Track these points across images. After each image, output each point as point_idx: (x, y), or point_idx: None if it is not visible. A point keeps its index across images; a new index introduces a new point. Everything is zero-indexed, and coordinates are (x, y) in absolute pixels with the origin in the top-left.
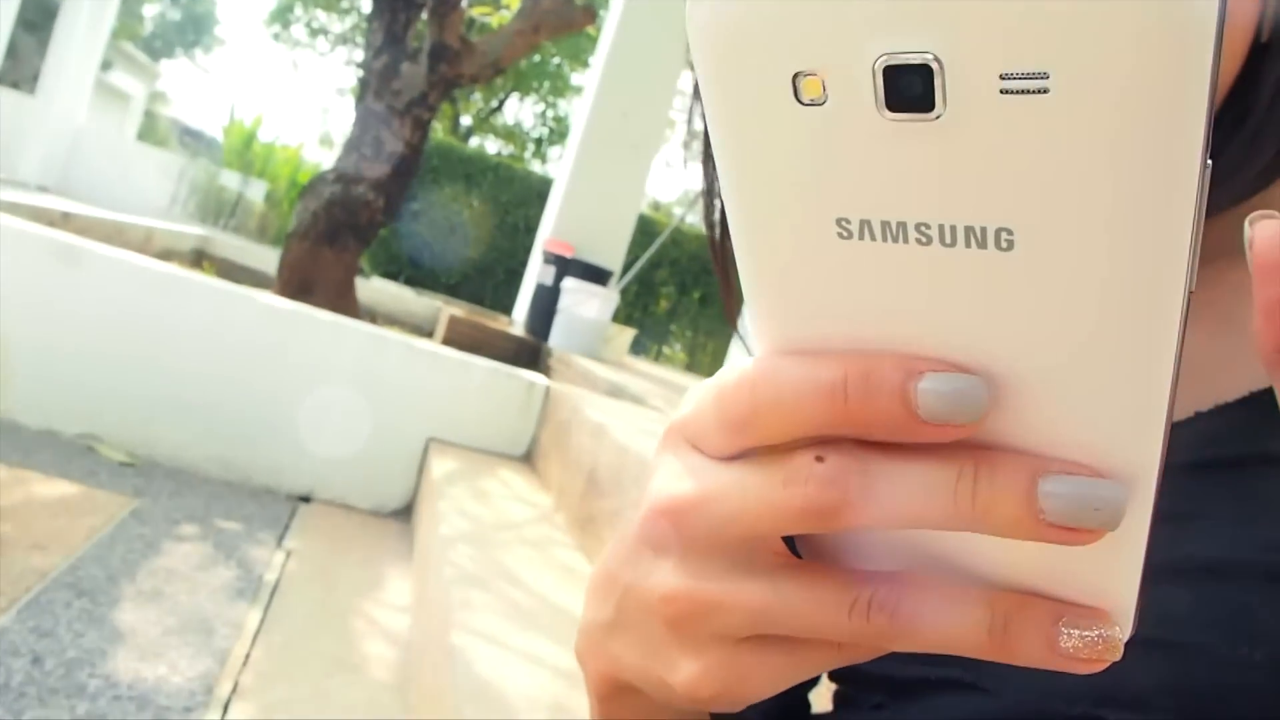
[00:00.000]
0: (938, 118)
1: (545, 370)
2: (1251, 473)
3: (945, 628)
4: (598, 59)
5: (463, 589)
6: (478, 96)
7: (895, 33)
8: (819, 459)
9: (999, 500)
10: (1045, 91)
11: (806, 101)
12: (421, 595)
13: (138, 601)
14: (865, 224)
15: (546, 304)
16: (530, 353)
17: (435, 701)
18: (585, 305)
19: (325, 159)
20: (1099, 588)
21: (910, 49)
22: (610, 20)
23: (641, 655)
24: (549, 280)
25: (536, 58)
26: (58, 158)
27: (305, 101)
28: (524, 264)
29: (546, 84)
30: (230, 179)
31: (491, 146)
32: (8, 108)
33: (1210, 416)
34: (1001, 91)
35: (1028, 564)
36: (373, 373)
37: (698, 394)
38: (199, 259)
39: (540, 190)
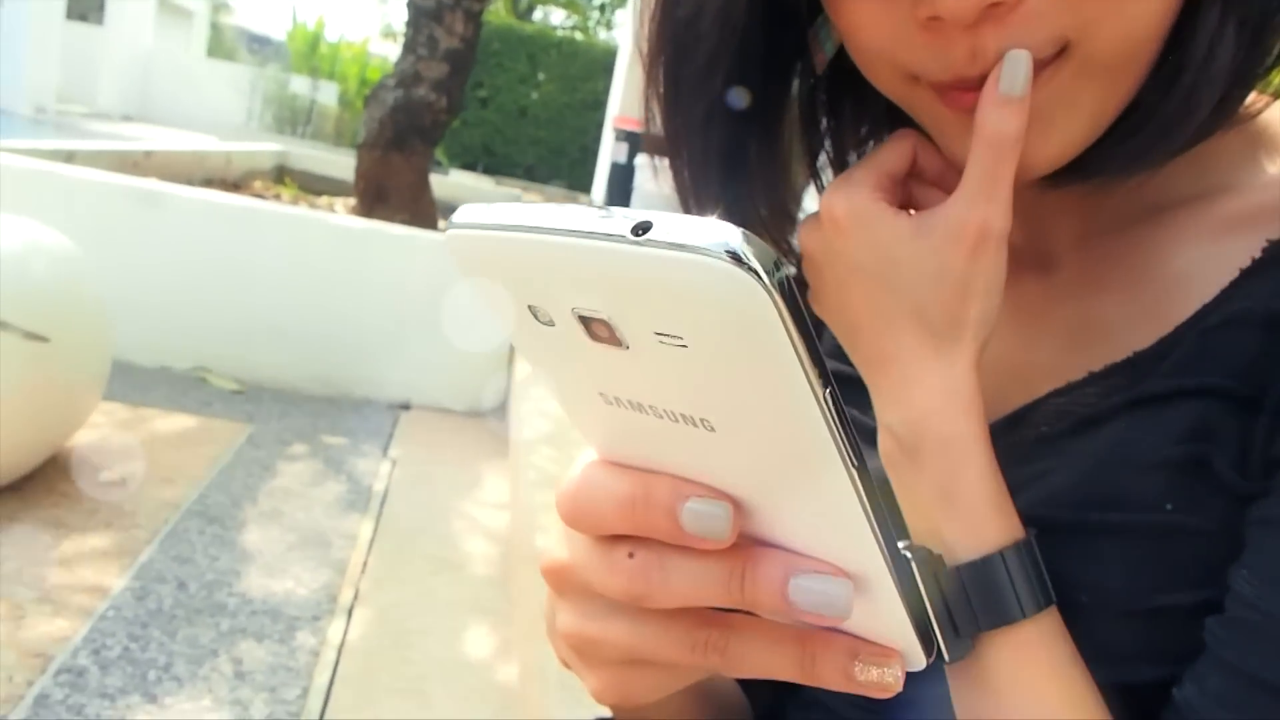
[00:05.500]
0: (627, 349)
1: None
2: (1142, 411)
3: (766, 662)
4: None
5: (543, 491)
6: None
7: (577, 295)
8: (630, 554)
9: (760, 593)
10: (685, 346)
11: (543, 321)
12: (512, 496)
13: (260, 522)
14: (616, 398)
15: (622, 182)
16: None
17: (530, 597)
18: (660, 181)
19: (390, 52)
20: (887, 639)
21: (590, 308)
22: None
23: (573, 669)
24: (622, 158)
25: None
26: (134, 84)
27: None
28: (597, 140)
29: None
30: (300, 85)
31: (556, 18)
32: (79, 40)
33: (1112, 369)
34: (659, 341)
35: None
36: (450, 280)
37: (579, 463)
38: (280, 175)
39: (606, 62)
